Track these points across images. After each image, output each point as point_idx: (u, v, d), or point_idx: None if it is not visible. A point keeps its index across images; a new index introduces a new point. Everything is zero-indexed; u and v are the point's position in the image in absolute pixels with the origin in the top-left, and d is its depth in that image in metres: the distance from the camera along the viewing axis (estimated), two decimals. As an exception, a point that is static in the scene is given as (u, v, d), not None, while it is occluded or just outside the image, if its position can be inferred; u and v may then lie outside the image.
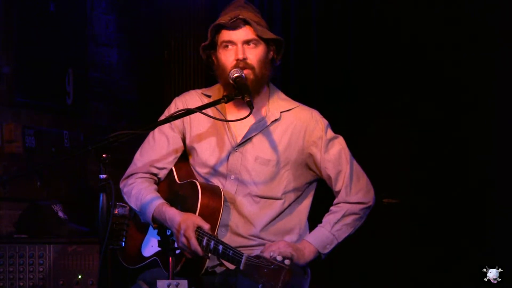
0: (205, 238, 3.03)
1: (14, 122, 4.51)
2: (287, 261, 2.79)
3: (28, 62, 4.62)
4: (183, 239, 3.06)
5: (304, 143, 3.28)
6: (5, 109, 4.51)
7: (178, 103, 3.36)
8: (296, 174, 3.28)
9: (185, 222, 3.07)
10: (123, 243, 3.11)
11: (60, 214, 4.34)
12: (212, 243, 3.01)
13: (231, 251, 2.96)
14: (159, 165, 3.34)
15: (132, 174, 3.36)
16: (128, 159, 3.48)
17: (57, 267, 4.01)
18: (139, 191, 3.27)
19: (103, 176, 2.82)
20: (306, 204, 3.34)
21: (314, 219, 3.35)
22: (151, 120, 3.23)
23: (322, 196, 3.41)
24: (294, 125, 3.29)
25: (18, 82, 4.55)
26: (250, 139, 3.26)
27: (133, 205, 3.28)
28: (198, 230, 3.05)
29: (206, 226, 3.05)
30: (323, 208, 3.36)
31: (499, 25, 4.74)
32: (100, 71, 5.31)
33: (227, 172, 3.25)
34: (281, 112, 3.29)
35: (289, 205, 3.28)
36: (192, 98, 3.37)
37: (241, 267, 2.87)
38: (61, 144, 4.83)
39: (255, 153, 3.25)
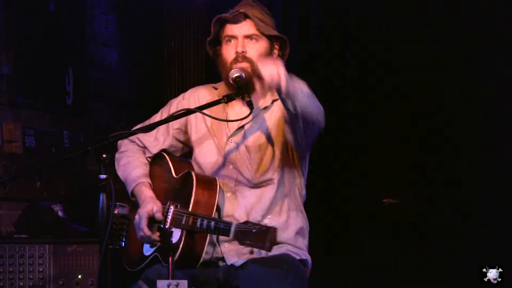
0: (198, 219, 3.06)
1: (14, 122, 4.51)
2: (273, 223, 3.00)
3: (28, 62, 4.62)
4: (138, 231, 3.13)
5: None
6: (5, 109, 4.51)
7: (186, 94, 3.41)
8: (287, 154, 3.28)
9: (138, 214, 3.14)
10: (123, 243, 3.12)
11: (60, 214, 4.34)
12: (205, 222, 3.05)
13: (221, 224, 3.01)
14: (151, 138, 3.38)
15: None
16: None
17: (57, 267, 4.01)
18: (128, 163, 3.33)
19: (103, 176, 2.83)
20: (300, 182, 3.33)
21: (313, 215, 3.36)
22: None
23: (321, 192, 3.41)
24: (283, 109, 3.29)
25: (18, 82, 4.55)
26: (242, 127, 3.28)
27: (120, 174, 3.35)
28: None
29: (158, 214, 3.11)
30: (322, 205, 3.35)
31: (499, 24, 4.75)
32: (100, 71, 5.31)
33: (225, 162, 3.27)
34: (273, 100, 3.31)
35: (285, 187, 3.28)
36: (201, 92, 3.40)
37: (231, 236, 2.97)
38: (61, 144, 4.83)
39: (247, 141, 3.27)
